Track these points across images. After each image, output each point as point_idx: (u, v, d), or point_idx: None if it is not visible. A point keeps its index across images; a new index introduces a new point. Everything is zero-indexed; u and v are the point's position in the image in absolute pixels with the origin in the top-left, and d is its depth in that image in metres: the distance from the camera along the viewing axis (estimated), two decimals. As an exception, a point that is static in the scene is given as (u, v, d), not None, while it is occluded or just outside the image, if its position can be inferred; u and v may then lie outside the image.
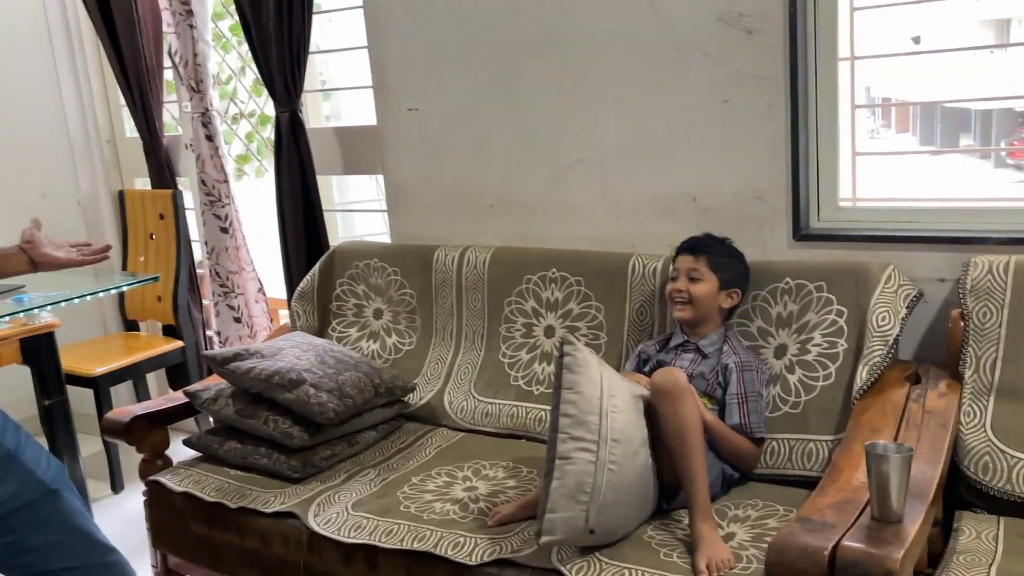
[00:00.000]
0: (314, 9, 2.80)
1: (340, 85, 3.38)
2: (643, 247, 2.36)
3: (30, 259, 1.70)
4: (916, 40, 2.39)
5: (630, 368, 2.14)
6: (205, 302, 3.50)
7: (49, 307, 2.69)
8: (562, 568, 1.65)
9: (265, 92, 2.95)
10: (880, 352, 1.91)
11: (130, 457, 2.44)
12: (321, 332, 2.70)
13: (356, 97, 3.20)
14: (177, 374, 3.43)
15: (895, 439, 1.70)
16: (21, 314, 2.65)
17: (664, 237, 2.26)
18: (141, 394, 3.44)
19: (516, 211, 2.60)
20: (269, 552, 2.01)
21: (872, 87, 2.94)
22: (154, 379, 3.58)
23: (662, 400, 1.76)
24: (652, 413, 1.81)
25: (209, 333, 3.52)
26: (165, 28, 3.19)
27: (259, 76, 2.95)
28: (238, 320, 3.21)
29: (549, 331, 2.39)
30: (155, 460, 2.32)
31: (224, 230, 3.15)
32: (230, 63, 3.65)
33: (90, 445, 3.33)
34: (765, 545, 1.66)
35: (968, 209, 2.12)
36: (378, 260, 2.69)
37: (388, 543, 1.83)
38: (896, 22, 2.20)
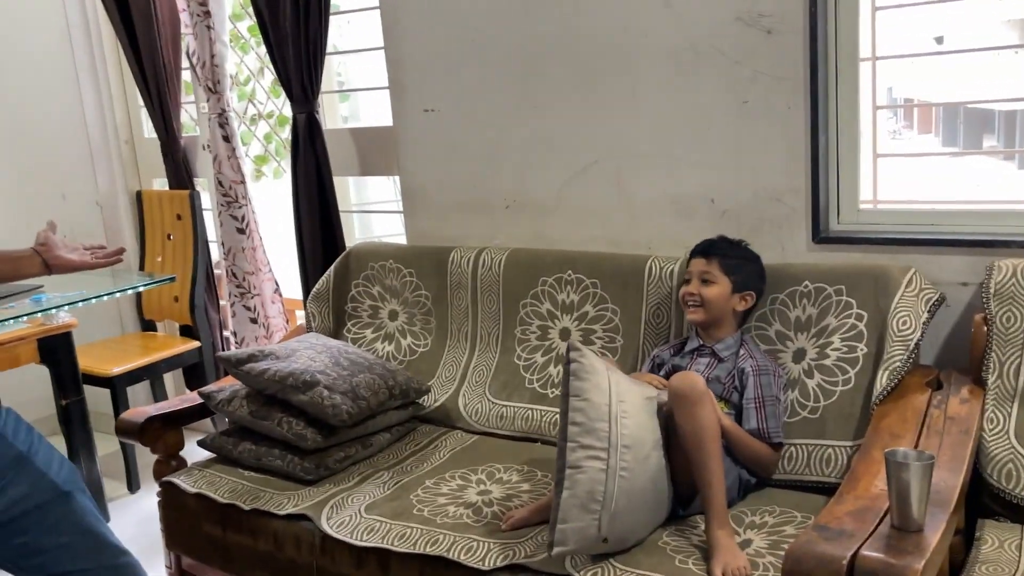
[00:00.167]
0: (331, 10, 2.80)
1: (358, 86, 3.38)
2: (660, 249, 2.34)
3: (44, 262, 1.70)
4: (939, 40, 2.35)
5: (645, 371, 2.12)
6: (222, 302, 3.51)
7: (66, 307, 2.70)
8: (575, 574, 1.64)
9: (283, 93, 2.95)
10: (901, 357, 1.88)
11: (146, 457, 2.45)
12: (336, 333, 2.69)
13: (374, 98, 3.20)
14: (194, 374, 3.44)
15: (916, 446, 1.67)
16: (39, 314, 2.66)
17: (681, 239, 2.24)
18: (158, 394, 3.45)
19: (532, 212, 2.58)
20: (282, 554, 2.01)
21: (894, 87, 2.91)
22: (171, 379, 3.59)
23: (680, 404, 1.74)
24: (668, 416, 1.79)
25: (226, 333, 3.53)
26: (183, 29, 3.20)
27: (277, 77, 2.95)
28: (254, 321, 3.22)
29: (564, 333, 2.37)
30: (169, 461, 2.32)
31: (241, 231, 3.16)
32: (248, 64, 3.66)
33: (107, 444, 3.34)
34: (782, 553, 1.64)
35: (991, 211, 2.08)
36: (393, 261, 2.68)
37: (401, 547, 1.82)
38: (918, 22, 2.17)
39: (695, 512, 1.81)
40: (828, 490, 1.85)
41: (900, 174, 2.29)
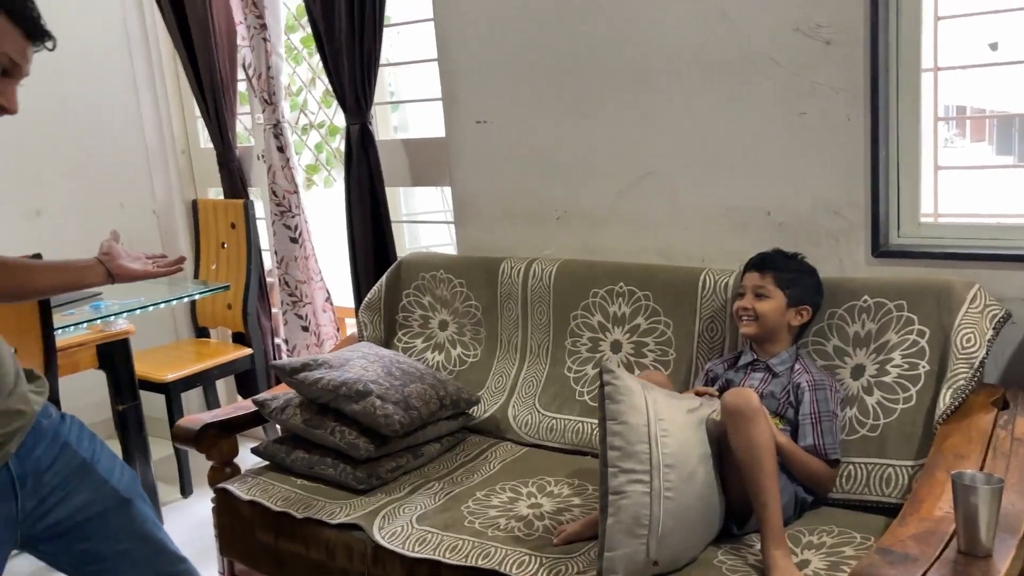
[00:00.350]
0: (385, 22, 2.82)
1: (407, 96, 3.40)
2: (714, 262, 2.31)
3: (108, 271, 1.73)
4: (993, 47, 2.29)
5: (699, 386, 2.09)
6: (273, 310, 3.55)
7: (125, 314, 2.76)
8: (628, 593, 1.62)
9: (334, 103, 2.98)
10: (965, 375, 1.83)
11: (199, 462, 2.48)
12: (387, 342, 2.71)
13: (423, 108, 3.22)
14: (245, 381, 3.48)
15: (981, 467, 1.63)
16: (98, 320, 2.72)
17: (736, 252, 2.21)
18: (210, 399, 3.50)
19: (583, 223, 2.57)
20: (334, 563, 2.02)
21: (946, 96, 2.84)
22: (222, 385, 3.64)
23: (733, 421, 1.72)
24: (722, 430, 1.76)
25: (277, 341, 3.57)
26: (239, 41, 3.25)
27: (329, 88, 2.99)
28: (306, 329, 3.25)
29: (616, 346, 2.36)
30: (224, 467, 2.35)
31: (294, 240, 3.20)
32: (301, 74, 3.71)
33: (160, 449, 3.39)
34: (841, 575, 1.61)
35: (1059, 226, 2.02)
36: (444, 272, 2.68)
37: (452, 559, 1.82)
38: (973, 29, 2.12)
39: (751, 530, 1.78)
40: (887, 510, 1.81)
41: (957, 185, 2.24)
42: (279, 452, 2.29)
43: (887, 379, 1.93)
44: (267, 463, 2.34)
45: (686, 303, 2.26)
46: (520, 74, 2.59)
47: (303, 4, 2.92)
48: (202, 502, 3.06)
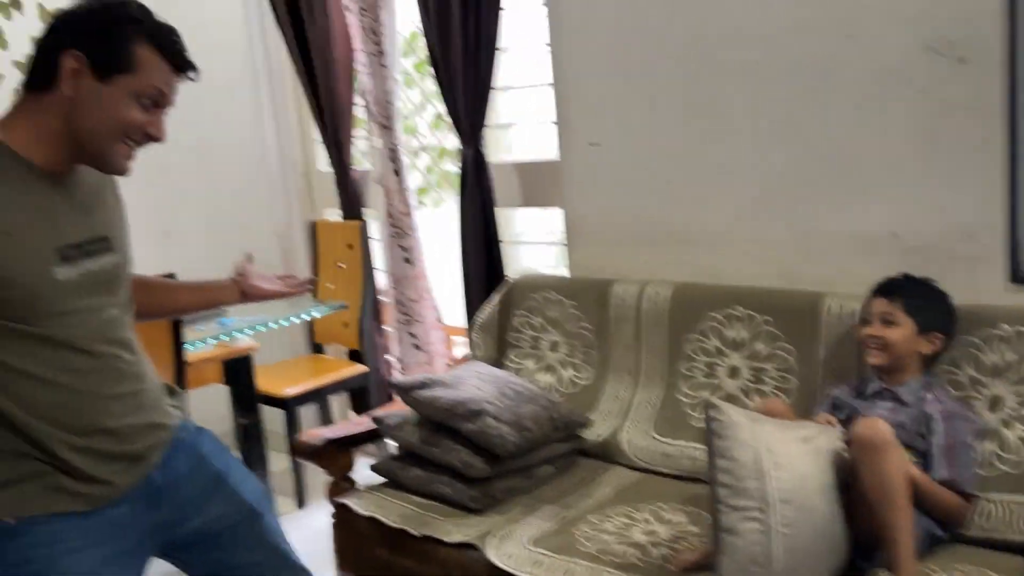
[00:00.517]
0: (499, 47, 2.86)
1: (510, 118, 3.43)
2: (837, 286, 2.24)
3: (242, 291, 1.81)
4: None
5: (822, 413, 2.03)
6: (386, 328, 3.63)
7: (250, 331, 2.86)
8: (751, 627, 1.58)
9: (444, 126, 3.04)
10: (1117, 410, 1.72)
11: (313, 476, 2.53)
12: (499, 362, 2.72)
13: (526, 128, 3.25)
14: (359, 397, 3.56)
15: None
16: (225, 337, 2.83)
17: (862, 276, 2.13)
18: (325, 415, 3.58)
19: (697, 246, 2.54)
20: (449, 582, 2.04)
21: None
22: (336, 401, 3.73)
23: (863, 453, 1.66)
24: (849, 461, 1.70)
25: (387, 357, 3.64)
26: (358, 67, 3.36)
27: (442, 112, 3.04)
28: (417, 347, 3.31)
29: (734, 372, 2.31)
30: (342, 482, 2.41)
31: (407, 260, 3.27)
32: (412, 98, 3.80)
33: (277, 462, 3.49)
34: (983, 619, 1.53)
35: None
36: (555, 293, 2.69)
37: (568, 583, 1.81)
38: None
39: (878, 566, 1.71)
40: (1029, 552, 1.71)
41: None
42: (395, 469, 2.33)
43: (1029, 412, 1.83)
44: (384, 479, 2.38)
45: (808, 329, 2.19)
46: (633, 96, 2.58)
47: (417, 30, 2.99)
48: (316, 515, 3.13)
